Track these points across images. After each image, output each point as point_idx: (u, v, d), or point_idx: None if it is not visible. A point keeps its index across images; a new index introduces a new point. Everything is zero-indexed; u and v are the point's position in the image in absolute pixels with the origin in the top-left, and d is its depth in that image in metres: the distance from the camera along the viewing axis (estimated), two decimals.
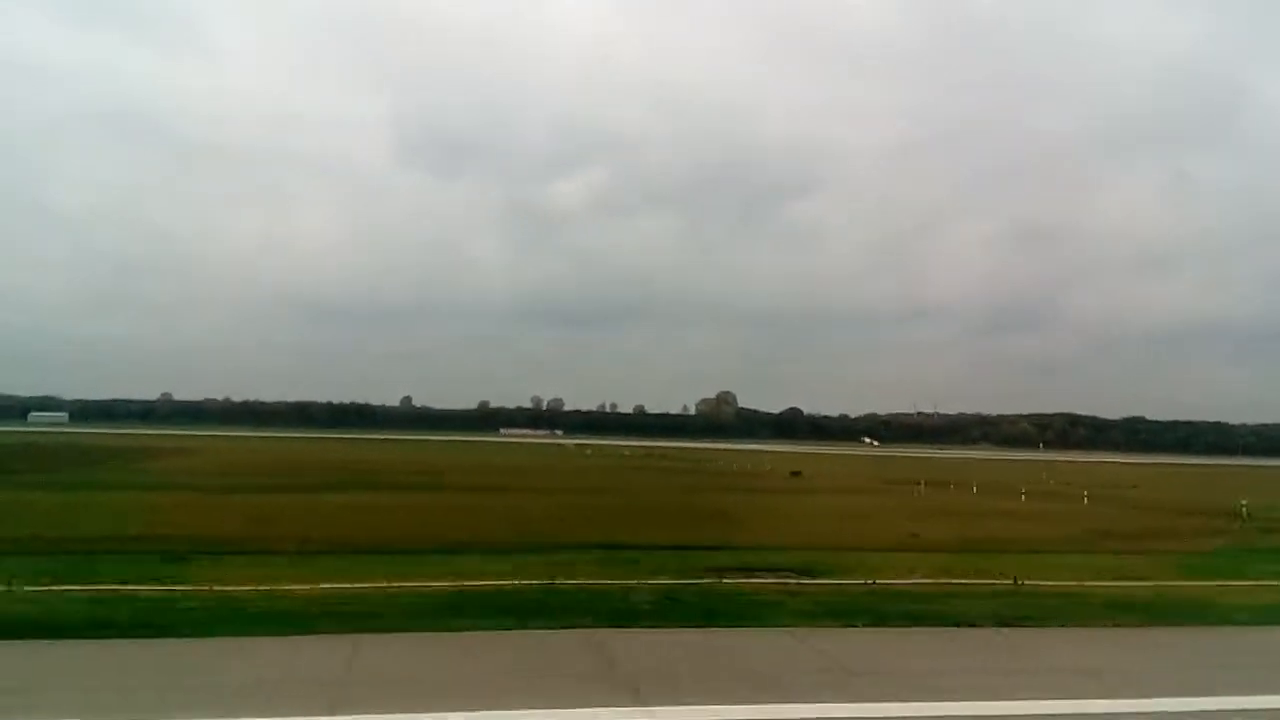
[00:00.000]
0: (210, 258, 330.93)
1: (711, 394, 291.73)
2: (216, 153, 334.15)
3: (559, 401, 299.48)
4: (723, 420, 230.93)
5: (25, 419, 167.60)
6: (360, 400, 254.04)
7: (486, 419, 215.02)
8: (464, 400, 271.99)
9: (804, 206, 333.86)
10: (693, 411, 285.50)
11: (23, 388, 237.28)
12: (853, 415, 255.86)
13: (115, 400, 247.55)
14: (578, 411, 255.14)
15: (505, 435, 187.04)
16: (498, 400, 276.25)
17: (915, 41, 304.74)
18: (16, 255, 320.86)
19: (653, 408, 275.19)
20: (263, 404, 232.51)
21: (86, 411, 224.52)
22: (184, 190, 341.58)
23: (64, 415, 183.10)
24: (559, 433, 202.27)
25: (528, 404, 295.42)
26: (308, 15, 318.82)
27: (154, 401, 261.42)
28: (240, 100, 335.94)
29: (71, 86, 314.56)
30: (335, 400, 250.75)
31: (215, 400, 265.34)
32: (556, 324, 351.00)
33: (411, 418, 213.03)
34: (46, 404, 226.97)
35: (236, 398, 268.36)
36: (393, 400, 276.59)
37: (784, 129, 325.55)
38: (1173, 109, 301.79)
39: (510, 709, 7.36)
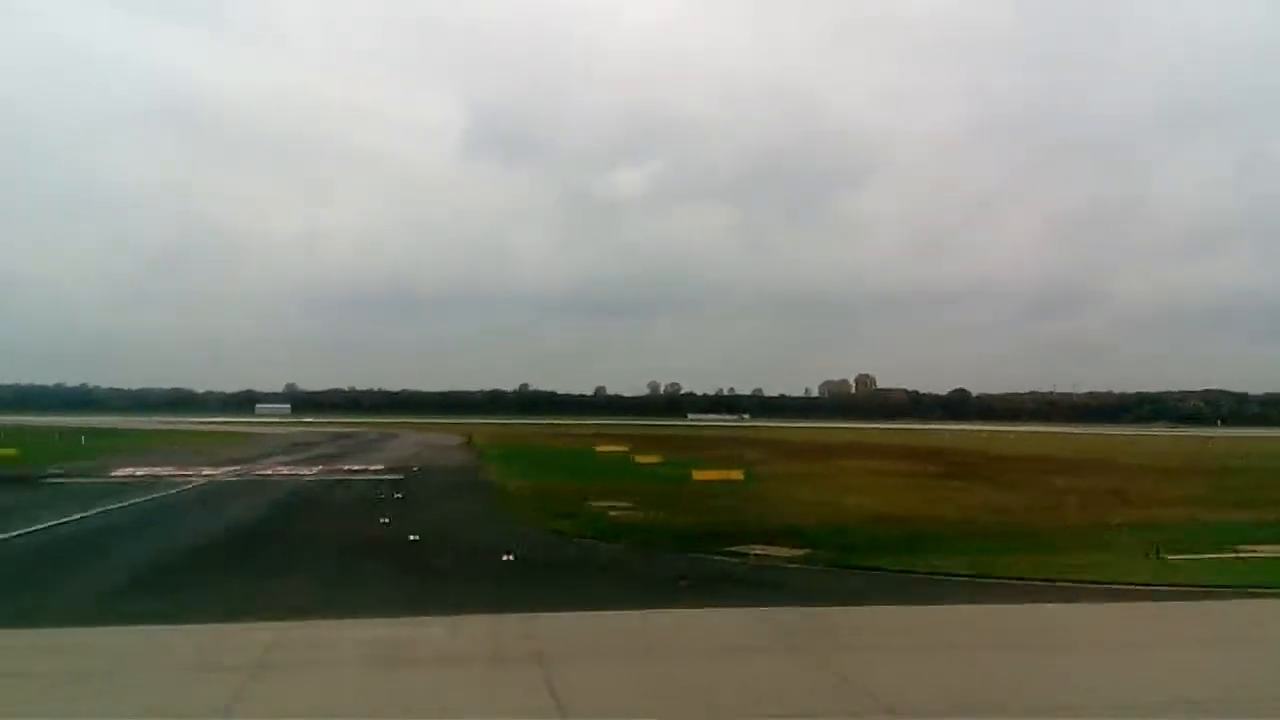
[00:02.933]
0: (264, 251, 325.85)
1: (835, 377, 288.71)
2: (282, 145, 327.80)
3: (676, 385, 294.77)
4: (894, 401, 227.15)
5: (254, 410, 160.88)
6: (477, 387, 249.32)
7: (672, 405, 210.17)
8: (578, 385, 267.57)
9: (871, 189, 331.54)
10: (815, 393, 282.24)
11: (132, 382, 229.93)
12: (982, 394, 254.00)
13: (244, 391, 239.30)
14: (734, 394, 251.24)
15: (695, 420, 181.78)
16: (614, 386, 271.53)
17: (981, 21, 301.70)
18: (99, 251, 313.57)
19: (768, 391, 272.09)
20: (422, 393, 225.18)
21: (226, 403, 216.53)
22: (244, 183, 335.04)
23: (287, 407, 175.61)
24: (746, 416, 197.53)
25: (645, 389, 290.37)
26: (368, 6, 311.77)
27: (282, 392, 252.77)
28: (304, 93, 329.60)
29: (132, 77, 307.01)
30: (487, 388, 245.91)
31: (341, 390, 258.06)
32: (632, 310, 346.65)
33: (595, 405, 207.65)
34: (181, 397, 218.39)
35: (359, 386, 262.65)
36: (510, 386, 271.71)
37: (863, 114, 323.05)
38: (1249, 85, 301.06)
39: None
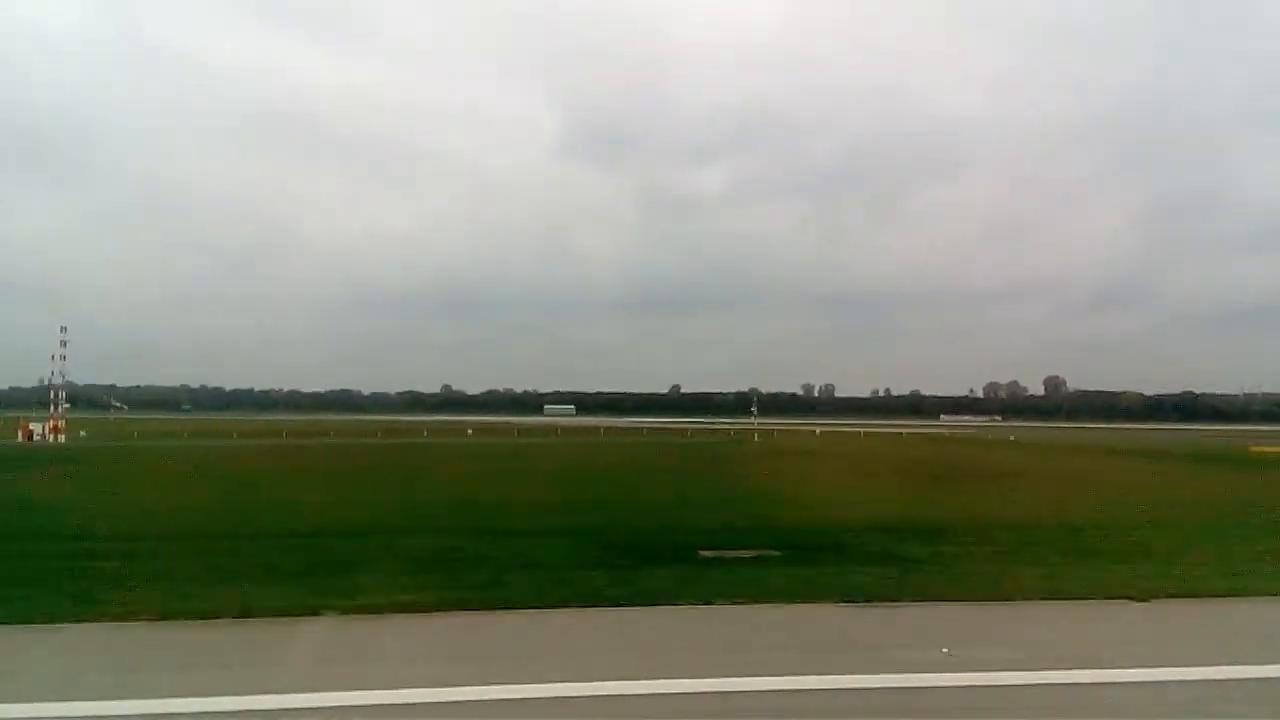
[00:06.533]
0: (360, 252, 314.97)
1: (1001, 379, 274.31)
2: (391, 148, 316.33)
3: (830, 388, 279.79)
4: (1123, 403, 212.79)
5: (542, 411, 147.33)
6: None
7: (915, 406, 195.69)
8: (727, 385, 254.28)
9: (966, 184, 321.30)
10: (979, 394, 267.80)
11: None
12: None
13: (404, 392, 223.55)
14: (890, 395, 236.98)
15: (948, 421, 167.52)
16: (765, 386, 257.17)
17: (1086, 12, 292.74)
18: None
19: (924, 391, 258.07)
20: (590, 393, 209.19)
21: (389, 404, 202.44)
22: (354, 188, 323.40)
23: (571, 408, 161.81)
24: (998, 418, 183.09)
25: (798, 390, 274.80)
26: (464, 8, 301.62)
27: (437, 394, 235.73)
28: (411, 97, 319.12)
29: (245, 84, 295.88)
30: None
31: (497, 391, 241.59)
32: (766, 310, 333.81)
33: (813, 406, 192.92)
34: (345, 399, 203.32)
35: (498, 387, 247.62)
36: (661, 388, 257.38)
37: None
38: None
39: None
